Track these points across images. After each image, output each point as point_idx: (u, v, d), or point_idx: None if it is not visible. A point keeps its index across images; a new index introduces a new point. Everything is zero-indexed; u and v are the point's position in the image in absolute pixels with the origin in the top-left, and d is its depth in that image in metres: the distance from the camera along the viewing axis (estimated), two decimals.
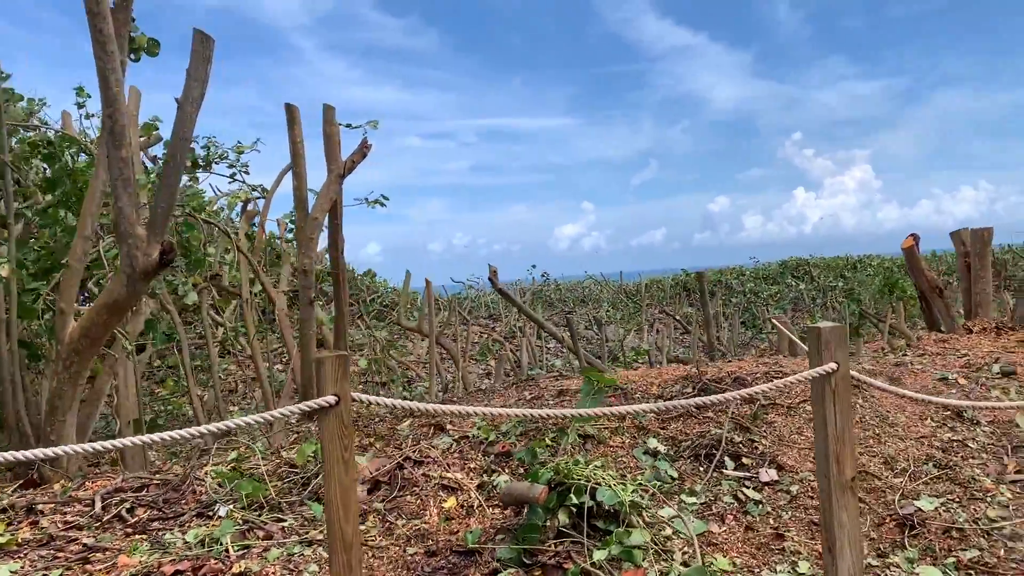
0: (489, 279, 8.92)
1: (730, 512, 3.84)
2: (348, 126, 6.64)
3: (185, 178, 8.80)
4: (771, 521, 3.79)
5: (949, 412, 4.89)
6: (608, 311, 20.58)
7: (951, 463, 4.27)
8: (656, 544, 3.52)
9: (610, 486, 3.46)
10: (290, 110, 6.44)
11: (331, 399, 2.43)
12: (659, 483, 4.06)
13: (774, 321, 8.42)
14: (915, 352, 6.41)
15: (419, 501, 4.03)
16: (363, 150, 6.49)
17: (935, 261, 23.66)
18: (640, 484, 3.92)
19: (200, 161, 8.44)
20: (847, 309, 16.71)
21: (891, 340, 11.24)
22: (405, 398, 10.55)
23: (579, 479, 3.55)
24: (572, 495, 3.50)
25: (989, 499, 3.93)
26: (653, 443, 4.47)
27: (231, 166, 8.53)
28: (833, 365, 2.83)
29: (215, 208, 11.41)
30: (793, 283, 22.23)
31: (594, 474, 3.57)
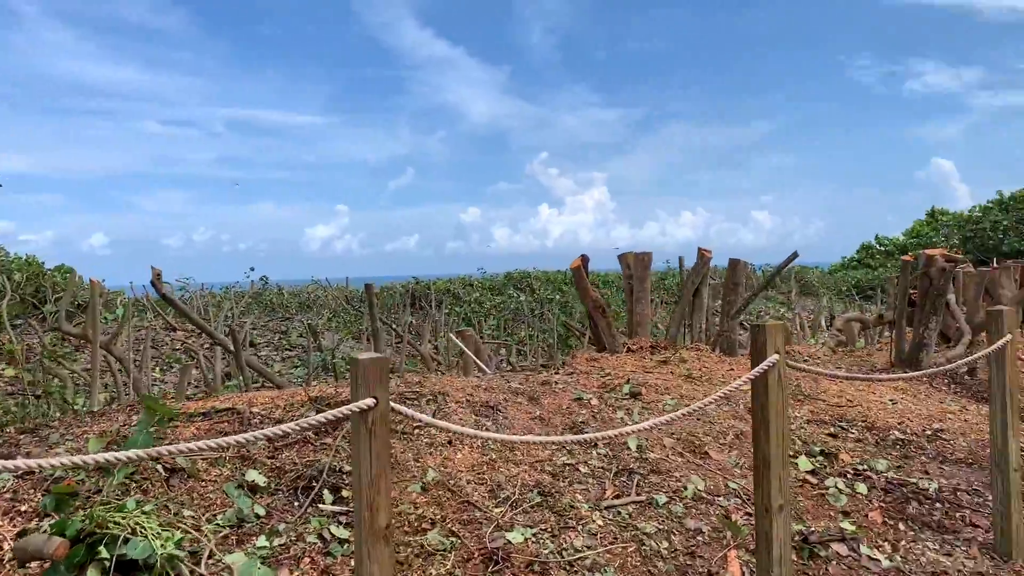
0: (152, 283, 7.99)
1: (309, 554, 3.49)
2: None
3: None
4: (351, 563, 3.49)
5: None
6: (329, 317, 19.88)
7: (556, 489, 4.24)
8: None
9: (146, 536, 2.97)
10: None
11: None
12: (241, 523, 3.63)
13: (451, 336, 8.29)
14: (566, 370, 6.53)
15: None
16: None
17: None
18: (215, 528, 3.47)
19: None
20: (557, 321, 17.41)
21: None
22: (75, 410, 9.31)
23: (117, 528, 3.03)
24: (104, 548, 2.97)
25: (581, 527, 3.92)
26: (253, 475, 4.03)
27: None
28: (371, 401, 2.55)
29: None
30: (515, 295, 22.93)
31: (136, 521, 3.06)
